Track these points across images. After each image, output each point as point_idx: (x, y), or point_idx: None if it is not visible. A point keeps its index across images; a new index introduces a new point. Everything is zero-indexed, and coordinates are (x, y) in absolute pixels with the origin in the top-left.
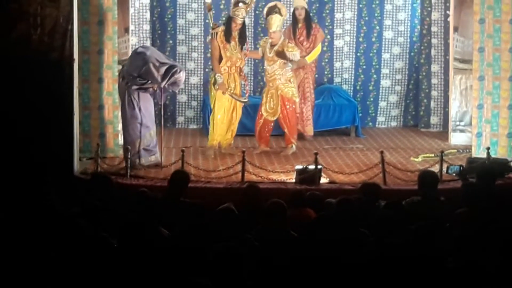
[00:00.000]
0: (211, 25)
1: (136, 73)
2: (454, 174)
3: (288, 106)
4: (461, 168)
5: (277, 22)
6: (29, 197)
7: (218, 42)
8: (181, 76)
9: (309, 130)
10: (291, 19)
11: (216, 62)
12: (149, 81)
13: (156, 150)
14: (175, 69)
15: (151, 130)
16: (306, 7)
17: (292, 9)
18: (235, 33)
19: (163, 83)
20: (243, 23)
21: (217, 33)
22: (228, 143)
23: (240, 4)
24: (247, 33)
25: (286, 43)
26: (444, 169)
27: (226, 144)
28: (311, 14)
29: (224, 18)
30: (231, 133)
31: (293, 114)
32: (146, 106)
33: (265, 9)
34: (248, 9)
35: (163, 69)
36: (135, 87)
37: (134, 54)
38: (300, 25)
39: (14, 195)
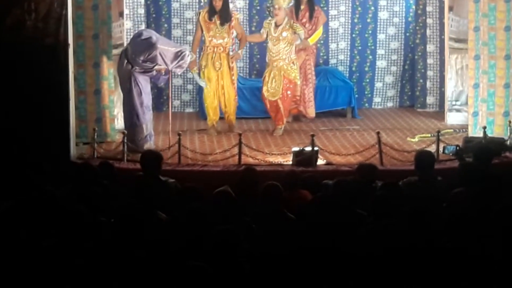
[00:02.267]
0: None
1: (143, 57)
2: (450, 154)
3: (288, 88)
4: (458, 148)
5: (286, 1)
6: (27, 186)
7: (201, 22)
8: (189, 59)
9: (311, 112)
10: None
11: (194, 41)
12: (155, 65)
13: (153, 134)
14: (183, 53)
15: (150, 115)
16: None
17: None
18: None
19: (171, 66)
20: (225, 0)
21: (200, 13)
22: (230, 122)
23: None
24: (242, 17)
25: (291, 22)
26: (441, 149)
27: (228, 122)
28: None
29: None
30: (229, 113)
31: (291, 96)
32: (147, 89)
33: None
34: None
35: (170, 54)
36: (140, 70)
37: (138, 39)
38: (303, 6)
39: (12, 183)
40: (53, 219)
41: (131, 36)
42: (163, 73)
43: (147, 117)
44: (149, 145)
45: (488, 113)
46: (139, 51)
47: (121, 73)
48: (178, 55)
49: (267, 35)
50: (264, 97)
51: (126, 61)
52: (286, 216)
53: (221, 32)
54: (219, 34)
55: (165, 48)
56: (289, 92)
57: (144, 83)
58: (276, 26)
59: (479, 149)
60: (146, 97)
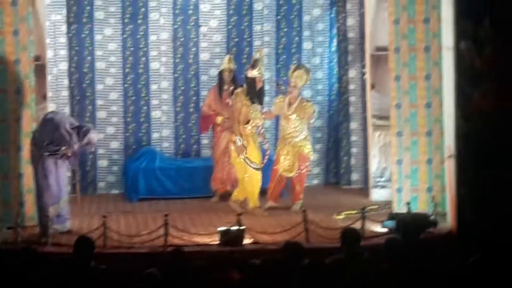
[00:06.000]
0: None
1: (48, 139)
2: (390, 229)
3: (303, 164)
4: (397, 222)
5: (303, 80)
6: None
7: (241, 103)
8: (93, 135)
9: None
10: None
11: (237, 124)
12: (63, 147)
13: (67, 217)
14: (84, 128)
15: (64, 197)
16: (234, 69)
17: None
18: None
19: (77, 146)
20: (263, 81)
21: (237, 95)
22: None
23: (259, 63)
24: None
25: (305, 101)
26: (372, 227)
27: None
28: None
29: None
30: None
31: (306, 172)
32: (59, 173)
33: (293, 67)
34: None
35: (75, 132)
36: (47, 153)
37: (43, 120)
38: (226, 86)
39: None
40: None
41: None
42: (70, 156)
43: (50, 200)
44: (58, 228)
45: (412, 189)
46: (45, 132)
47: (31, 158)
48: (80, 132)
49: (279, 112)
50: (276, 173)
51: (34, 145)
52: None
53: (258, 112)
54: (258, 115)
55: (68, 128)
56: (304, 168)
57: (55, 167)
58: (290, 104)
59: (404, 225)
60: (55, 182)
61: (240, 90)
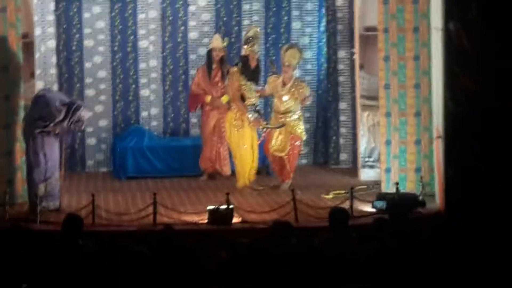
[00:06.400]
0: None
1: (37, 115)
2: (380, 208)
3: (295, 143)
4: (388, 202)
5: (296, 59)
6: None
7: (238, 82)
8: (82, 113)
9: (227, 170)
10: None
11: (240, 101)
12: (52, 123)
13: (58, 195)
14: (75, 105)
15: (55, 175)
16: (224, 48)
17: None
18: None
19: (66, 122)
20: (258, 60)
21: (233, 74)
22: (252, 177)
23: (254, 40)
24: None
25: (299, 81)
26: (359, 207)
27: (252, 176)
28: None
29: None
30: (253, 168)
31: (298, 151)
32: (50, 150)
33: (285, 46)
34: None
35: (64, 109)
36: (38, 130)
37: (35, 98)
38: (214, 65)
39: None
40: None
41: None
42: (59, 132)
43: (45, 180)
44: (48, 205)
45: (400, 169)
46: (36, 109)
47: (23, 135)
48: (70, 109)
49: (272, 92)
50: (268, 152)
51: (25, 122)
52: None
53: (253, 91)
54: (253, 95)
55: (58, 104)
56: (296, 147)
57: (46, 144)
58: (284, 84)
59: (393, 205)
60: (46, 159)
61: (235, 69)
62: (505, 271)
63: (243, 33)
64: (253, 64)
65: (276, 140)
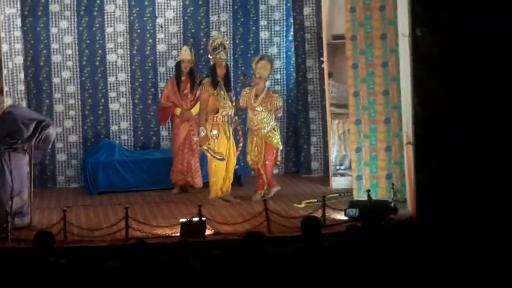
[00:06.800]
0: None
1: (5, 132)
2: (353, 215)
3: (271, 154)
4: (360, 209)
5: (268, 70)
6: None
7: (208, 93)
8: (51, 131)
9: (199, 182)
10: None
11: (203, 115)
12: (19, 140)
13: (28, 212)
14: (43, 123)
15: (24, 192)
16: (192, 60)
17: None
18: (221, 80)
19: (33, 140)
20: (227, 67)
21: (204, 85)
22: (227, 188)
23: (220, 48)
24: None
25: (271, 92)
26: (330, 215)
27: (225, 189)
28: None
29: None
30: (228, 179)
31: (274, 161)
32: (17, 167)
33: (256, 58)
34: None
35: (32, 126)
36: (4, 147)
37: (2, 115)
38: (183, 77)
39: None
40: None
41: None
42: (27, 150)
43: (12, 197)
44: (18, 223)
45: (371, 176)
46: (2, 126)
47: None
48: (38, 127)
49: (246, 104)
50: (250, 164)
51: None
52: None
53: (227, 100)
54: (227, 103)
55: (26, 122)
56: (272, 158)
57: (14, 161)
58: (256, 96)
59: (366, 212)
60: (12, 176)
61: (207, 80)
62: (477, 275)
63: None
64: (221, 72)
65: (251, 152)
